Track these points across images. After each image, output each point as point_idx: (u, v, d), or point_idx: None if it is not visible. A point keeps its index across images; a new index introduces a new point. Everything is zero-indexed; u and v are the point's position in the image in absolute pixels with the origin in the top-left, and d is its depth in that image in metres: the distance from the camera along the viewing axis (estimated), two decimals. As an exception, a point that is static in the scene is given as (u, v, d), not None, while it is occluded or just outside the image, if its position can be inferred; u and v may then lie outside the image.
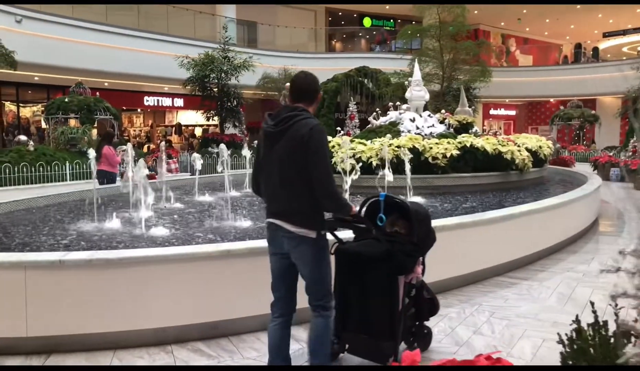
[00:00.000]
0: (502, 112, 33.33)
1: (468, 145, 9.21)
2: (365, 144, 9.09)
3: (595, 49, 33.75)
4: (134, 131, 25.03)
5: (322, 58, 24.30)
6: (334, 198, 2.84)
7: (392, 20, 30.23)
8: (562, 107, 25.52)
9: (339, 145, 9.31)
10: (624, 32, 33.92)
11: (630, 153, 17.50)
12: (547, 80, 28.80)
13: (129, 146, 7.62)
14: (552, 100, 31.21)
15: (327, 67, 22.41)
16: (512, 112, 33.93)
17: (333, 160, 9.20)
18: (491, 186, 9.33)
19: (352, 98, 20.24)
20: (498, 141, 9.72)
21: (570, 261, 6.29)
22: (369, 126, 11.60)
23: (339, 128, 18.29)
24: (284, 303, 3.01)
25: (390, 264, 3.08)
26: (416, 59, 12.74)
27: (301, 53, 23.31)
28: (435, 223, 3.97)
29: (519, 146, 9.95)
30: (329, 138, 9.96)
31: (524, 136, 11.34)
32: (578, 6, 28.73)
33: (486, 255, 5.49)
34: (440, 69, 17.82)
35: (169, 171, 13.80)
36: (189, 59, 17.06)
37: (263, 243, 4.10)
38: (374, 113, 11.88)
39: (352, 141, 9.46)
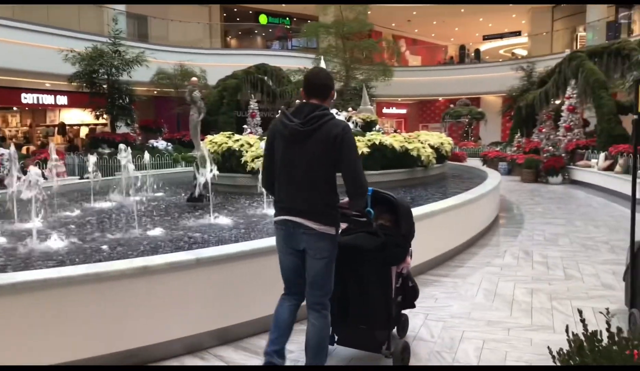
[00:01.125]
0: (394, 110, 34.45)
1: (377, 143, 9.23)
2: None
3: (477, 51, 35.94)
4: (10, 131, 22.66)
5: (219, 54, 23.50)
6: (364, 195, 2.92)
7: (287, 18, 30.09)
8: (451, 105, 26.82)
9: (248, 144, 8.92)
10: (501, 36, 36.58)
11: (515, 148, 18.72)
12: (436, 80, 30.17)
13: (12, 148, 6.69)
14: (440, 99, 32.77)
15: (224, 64, 21.72)
16: (404, 111, 35.21)
17: (243, 159, 8.81)
18: (399, 183, 9.42)
19: (252, 96, 19.77)
20: (404, 138, 9.86)
21: (485, 255, 6.43)
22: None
23: (245, 126, 17.75)
24: (301, 290, 3.02)
25: (385, 255, 3.20)
26: (322, 57, 12.61)
27: (197, 49, 22.39)
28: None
29: (422, 142, 10.17)
30: (237, 136, 9.54)
31: (424, 133, 11.61)
32: (462, 9, 30.46)
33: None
34: (341, 67, 17.87)
35: (56, 174, 12.53)
36: (74, 52, 15.64)
37: (184, 255, 3.71)
38: (281, 111, 11.60)
39: (261, 139, 9.11)
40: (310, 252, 2.89)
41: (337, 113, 10.95)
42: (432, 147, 10.25)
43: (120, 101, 16.83)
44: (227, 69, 20.59)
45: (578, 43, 27.34)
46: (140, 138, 18.81)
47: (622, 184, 11.76)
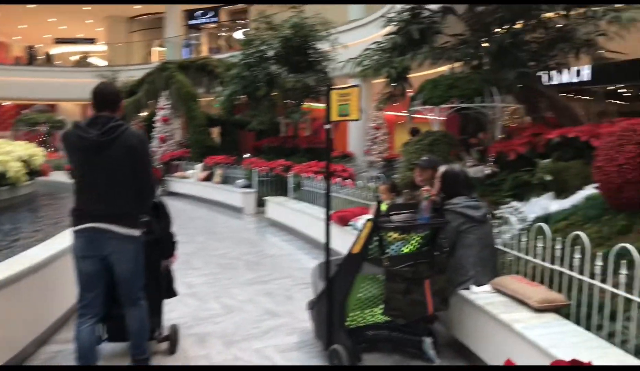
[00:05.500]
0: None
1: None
2: None
3: (48, 54, 32.95)
4: None
5: None
6: (153, 197, 3.24)
7: None
8: (25, 111, 23.42)
9: None
10: (75, 41, 34.34)
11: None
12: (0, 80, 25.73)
13: None
14: (7, 103, 28.30)
15: None
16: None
17: None
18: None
19: None
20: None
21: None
22: None
23: None
24: (98, 301, 3.02)
25: (160, 249, 3.49)
26: None
27: None
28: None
29: (7, 154, 8.00)
30: None
31: (8, 143, 9.24)
32: (29, 5, 26.93)
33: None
34: None
35: None
36: None
37: None
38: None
39: None
40: (117, 255, 2.95)
41: None
42: (20, 160, 8.17)
43: None
44: None
45: (157, 56, 28.04)
46: None
47: (222, 194, 12.16)
